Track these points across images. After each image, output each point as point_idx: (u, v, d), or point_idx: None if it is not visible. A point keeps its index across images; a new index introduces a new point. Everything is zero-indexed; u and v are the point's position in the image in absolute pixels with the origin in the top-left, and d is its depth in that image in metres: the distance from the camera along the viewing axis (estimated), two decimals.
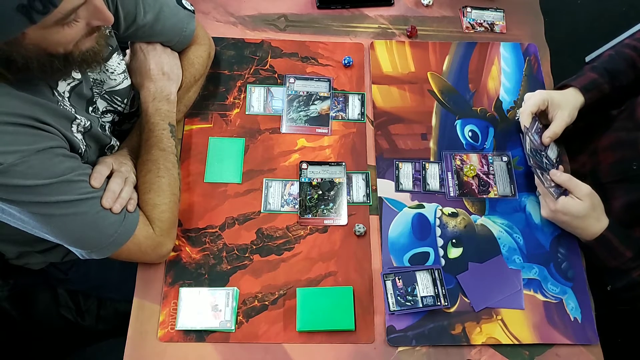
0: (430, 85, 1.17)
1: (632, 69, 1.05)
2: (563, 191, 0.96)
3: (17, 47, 0.66)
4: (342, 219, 1.02)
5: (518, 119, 1.11)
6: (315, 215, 1.02)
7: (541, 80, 1.20)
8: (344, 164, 1.07)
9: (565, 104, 1.02)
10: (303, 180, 1.05)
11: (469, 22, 1.26)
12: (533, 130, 1.02)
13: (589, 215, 0.94)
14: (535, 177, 0.99)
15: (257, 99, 1.13)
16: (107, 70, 0.91)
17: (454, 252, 1.01)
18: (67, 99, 0.82)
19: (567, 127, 1.02)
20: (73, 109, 0.83)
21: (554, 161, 1.04)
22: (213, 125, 1.09)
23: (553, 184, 0.96)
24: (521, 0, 1.30)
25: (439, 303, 0.94)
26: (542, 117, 1.06)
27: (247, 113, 1.11)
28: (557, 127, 1.01)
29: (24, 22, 0.61)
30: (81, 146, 0.83)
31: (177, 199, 0.94)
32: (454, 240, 1.02)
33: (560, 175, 0.97)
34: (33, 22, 0.62)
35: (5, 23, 0.61)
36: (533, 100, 1.04)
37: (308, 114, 1.12)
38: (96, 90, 0.91)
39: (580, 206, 0.94)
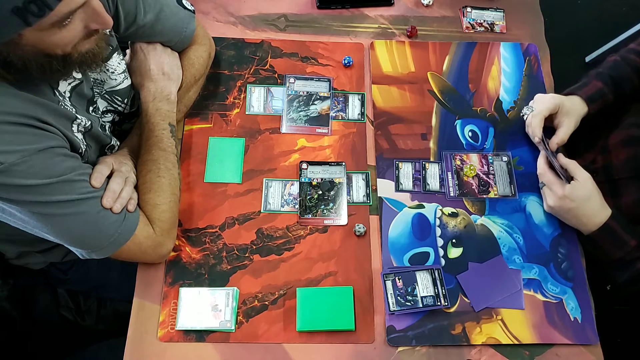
0: (430, 85, 1.17)
1: (637, 76, 1.05)
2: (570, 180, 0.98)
3: (14, 48, 0.66)
4: (342, 219, 1.02)
5: (523, 115, 1.10)
6: (315, 215, 1.02)
7: (541, 80, 1.20)
8: (344, 164, 1.07)
9: (573, 112, 1.04)
10: (303, 180, 1.05)
11: (469, 22, 1.26)
12: (545, 144, 1.03)
13: (592, 199, 0.95)
14: (548, 162, 1.00)
15: (257, 99, 1.13)
16: (107, 70, 0.91)
17: (454, 252, 1.01)
18: (67, 99, 0.82)
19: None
20: (74, 109, 0.83)
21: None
22: (213, 125, 1.09)
23: (563, 170, 0.98)
24: (521, 0, 1.31)
25: (439, 303, 0.94)
26: (547, 120, 1.06)
27: (247, 113, 1.11)
28: (564, 134, 1.03)
29: (19, 24, 0.61)
30: (82, 146, 0.83)
31: (177, 199, 0.94)
32: (454, 240, 1.02)
33: (564, 158, 1.00)
34: (28, 24, 0.62)
35: (1, 25, 0.61)
36: (545, 104, 1.04)
37: (308, 114, 1.12)
38: (97, 90, 0.91)
39: (584, 189, 0.95)
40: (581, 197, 0.95)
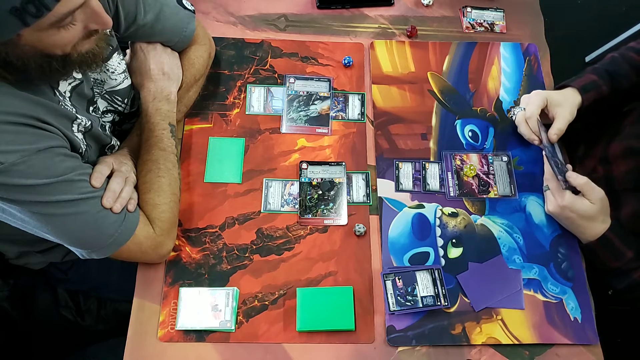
0: (430, 85, 1.17)
1: (636, 72, 1.04)
2: (572, 186, 0.96)
3: (12, 48, 0.66)
4: (342, 219, 1.02)
5: (512, 117, 1.10)
6: (315, 215, 1.02)
7: (541, 80, 1.20)
8: (344, 164, 1.07)
9: (565, 101, 1.02)
10: (303, 180, 1.05)
11: (469, 22, 1.26)
12: (545, 141, 1.01)
13: (596, 218, 0.95)
14: (549, 167, 0.98)
15: (257, 99, 1.13)
16: (107, 70, 0.91)
17: (454, 252, 1.01)
18: (68, 99, 0.82)
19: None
20: (74, 109, 0.83)
21: (564, 161, 1.04)
22: (213, 125, 1.09)
23: (563, 175, 0.97)
24: (521, 0, 1.31)
25: (439, 303, 0.94)
26: (542, 117, 1.06)
27: (247, 113, 1.11)
28: (560, 124, 1.00)
29: (17, 24, 0.61)
30: (82, 146, 0.83)
31: (178, 199, 0.94)
32: (454, 240, 1.02)
33: (577, 178, 0.94)
34: (26, 24, 0.62)
35: None
36: (534, 103, 1.03)
37: (308, 114, 1.12)
38: (97, 90, 0.91)
39: (591, 208, 0.94)
40: (582, 213, 0.94)
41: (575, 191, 0.96)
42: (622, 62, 1.05)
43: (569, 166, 1.00)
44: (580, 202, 0.94)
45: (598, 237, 0.95)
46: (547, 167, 1.01)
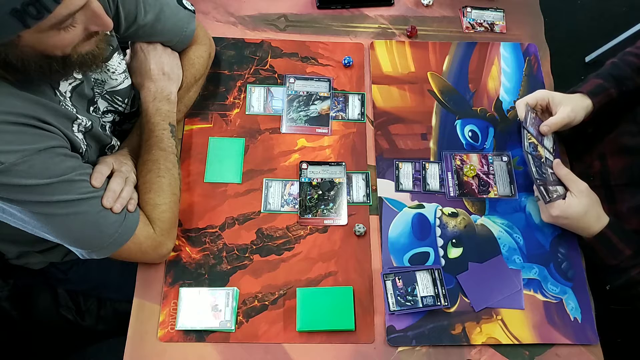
0: (430, 85, 1.17)
1: (638, 74, 1.05)
2: (557, 196, 0.96)
3: (13, 49, 0.66)
4: (342, 219, 1.02)
5: (518, 119, 1.11)
6: (315, 215, 1.02)
7: (541, 80, 1.20)
8: (344, 164, 1.07)
9: (568, 101, 1.02)
10: (303, 180, 1.05)
11: (469, 22, 1.26)
12: (528, 123, 1.01)
13: (588, 213, 0.95)
14: (532, 177, 0.99)
15: (257, 99, 1.13)
16: (108, 70, 0.91)
17: (454, 252, 1.01)
18: (68, 99, 0.82)
19: (571, 127, 1.02)
20: (74, 109, 0.83)
21: (551, 150, 1.04)
22: (213, 125, 1.09)
23: (547, 188, 0.97)
24: (521, 0, 1.31)
25: (439, 303, 0.94)
26: (546, 116, 1.06)
27: (247, 113, 1.11)
28: (557, 118, 1.00)
29: (17, 26, 0.61)
30: (82, 146, 0.83)
31: (178, 199, 0.94)
32: (454, 240, 1.02)
33: (560, 169, 0.98)
34: (27, 26, 0.62)
35: None
36: (531, 95, 1.04)
37: (308, 114, 1.12)
38: (97, 90, 0.91)
39: (579, 206, 0.94)
40: (573, 216, 0.95)
41: (563, 196, 0.96)
42: (624, 66, 1.06)
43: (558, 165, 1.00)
44: (569, 208, 0.94)
45: (596, 235, 0.95)
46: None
